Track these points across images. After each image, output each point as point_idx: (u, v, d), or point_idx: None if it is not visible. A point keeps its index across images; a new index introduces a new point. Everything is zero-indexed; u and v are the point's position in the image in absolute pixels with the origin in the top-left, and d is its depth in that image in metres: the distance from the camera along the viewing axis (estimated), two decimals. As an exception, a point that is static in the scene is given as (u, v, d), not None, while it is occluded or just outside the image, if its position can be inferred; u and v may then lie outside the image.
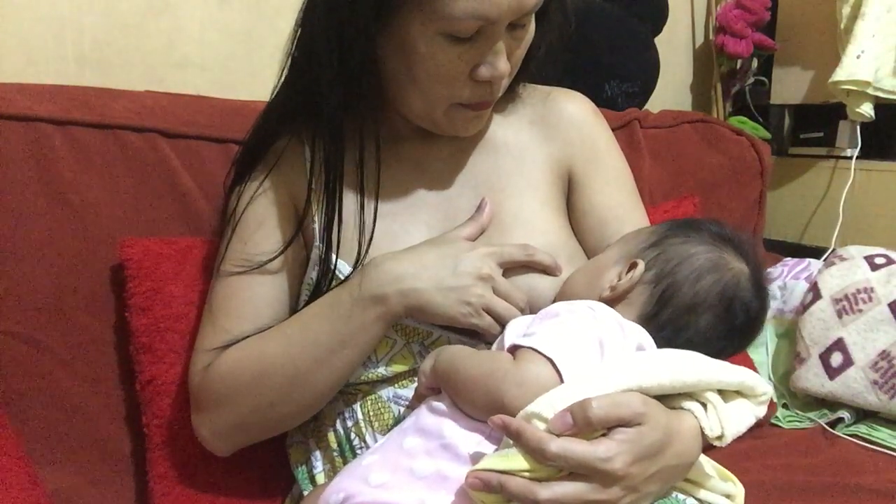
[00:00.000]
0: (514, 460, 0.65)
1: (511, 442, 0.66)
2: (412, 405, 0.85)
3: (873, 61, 1.58)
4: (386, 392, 0.89)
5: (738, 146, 1.65)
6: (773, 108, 1.91)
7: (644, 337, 0.76)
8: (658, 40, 1.73)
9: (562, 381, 0.68)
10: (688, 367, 0.72)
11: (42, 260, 1.00)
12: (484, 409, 0.71)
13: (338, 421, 0.91)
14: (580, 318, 0.74)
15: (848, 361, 1.38)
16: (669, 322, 0.78)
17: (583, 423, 0.64)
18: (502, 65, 0.82)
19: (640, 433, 0.66)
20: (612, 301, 0.79)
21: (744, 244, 0.82)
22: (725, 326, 0.79)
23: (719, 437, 0.71)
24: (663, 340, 0.77)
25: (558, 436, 0.65)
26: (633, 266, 0.80)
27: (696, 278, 0.78)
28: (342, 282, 0.88)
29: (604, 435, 0.66)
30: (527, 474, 0.65)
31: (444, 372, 0.76)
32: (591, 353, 0.71)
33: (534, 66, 0.93)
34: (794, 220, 1.88)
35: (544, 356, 0.69)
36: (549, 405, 0.66)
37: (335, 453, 0.91)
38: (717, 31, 1.85)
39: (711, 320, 0.78)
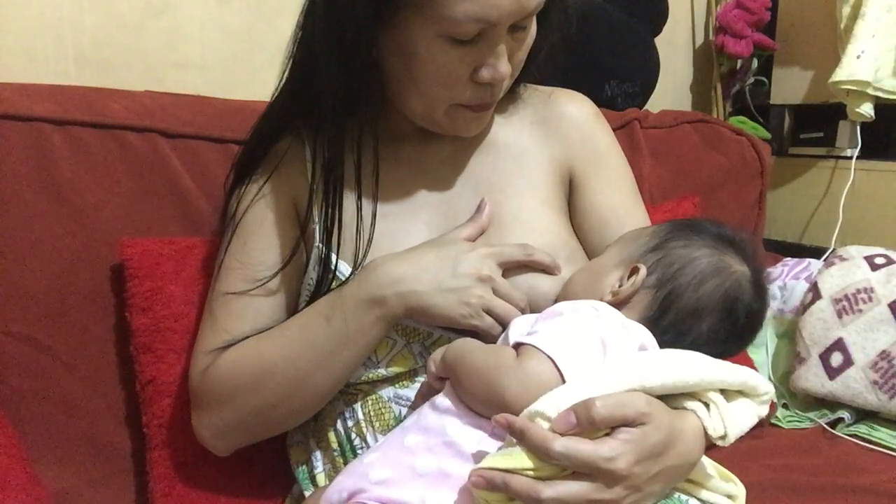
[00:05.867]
0: (518, 459, 0.65)
1: (514, 440, 0.66)
2: (415, 404, 0.85)
3: (873, 61, 1.58)
4: (386, 392, 0.89)
5: (738, 146, 1.65)
6: (773, 108, 1.92)
7: (647, 337, 0.76)
8: (658, 40, 1.73)
9: (563, 379, 0.69)
10: (690, 366, 0.72)
11: (42, 260, 1.00)
12: (484, 402, 0.71)
13: (338, 421, 0.91)
14: (583, 318, 0.74)
15: (848, 361, 1.39)
16: (672, 326, 0.78)
17: (587, 422, 0.64)
18: (503, 67, 0.82)
19: (644, 433, 0.66)
20: (615, 306, 0.79)
21: (744, 245, 0.82)
22: (727, 329, 0.79)
23: (722, 437, 0.71)
24: (666, 344, 0.77)
25: (562, 435, 0.65)
26: (634, 271, 0.80)
27: (699, 283, 0.78)
28: (342, 283, 0.88)
29: (607, 434, 0.66)
30: (530, 473, 0.65)
31: (451, 361, 0.76)
32: (594, 353, 0.71)
33: (534, 66, 0.93)
34: (794, 220, 1.88)
35: (546, 354, 0.69)
36: (553, 404, 0.66)
37: (336, 453, 0.91)
38: (717, 31, 1.85)
39: (714, 324, 0.78)
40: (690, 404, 0.71)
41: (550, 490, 0.64)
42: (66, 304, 1.01)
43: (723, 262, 0.79)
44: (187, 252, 1.03)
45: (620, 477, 0.65)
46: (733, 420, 0.71)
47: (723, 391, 0.73)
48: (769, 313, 1.35)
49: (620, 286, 0.80)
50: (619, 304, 0.80)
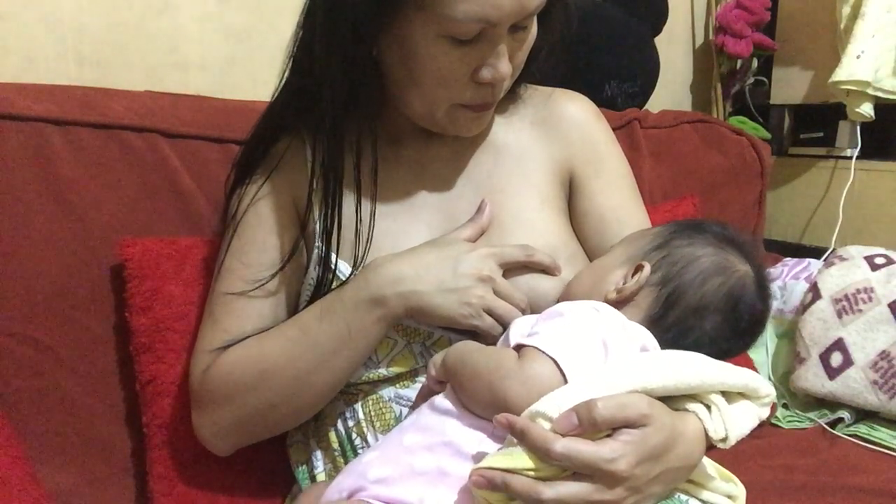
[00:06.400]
0: (519, 459, 0.65)
1: (515, 441, 0.66)
2: (416, 405, 0.85)
3: (873, 61, 1.58)
4: (387, 392, 0.89)
5: (738, 146, 1.65)
6: (773, 108, 1.92)
7: (648, 338, 0.76)
8: (658, 40, 1.73)
9: (565, 380, 0.69)
10: (692, 368, 0.72)
11: (42, 260, 1.00)
12: (486, 404, 0.71)
13: (339, 421, 0.91)
14: (584, 319, 0.74)
15: (848, 361, 1.39)
16: (675, 324, 0.78)
17: (588, 423, 0.64)
18: (504, 67, 0.81)
19: (645, 435, 0.66)
20: (619, 303, 0.79)
21: (747, 245, 0.82)
22: (730, 328, 0.79)
23: (723, 440, 0.71)
24: (669, 342, 0.77)
25: (563, 436, 0.65)
26: (638, 268, 0.80)
27: (703, 281, 0.78)
28: (342, 283, 0.88)
29: (608, 436, 0.66)
30: (531, 473, 0.65)
31: (452, 365, 0.76)
32: (595, 354, 0.71)
33: (534, 66, 0.92)
34: (794, 220, 1.88)
35: (547, 355, 0.69)
36: (554, 405, 0.66)
37: (336, 453, 0.92)
38: (717, 31, 1.85)
39: (717, 322, 0.78)
40: (692, 406, 0.71)
41: (551, 491, 0.64)
42: (66, 304, 1.01)
43: (726, 261, 0.80)
44: (187, 252, 1.03)
45: (621, 478, 0.65)
46: (734, 422, 0.71)
47: (724, 393, 0.73)
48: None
49: (625, 284, 0.80)
50: (623, 301, 0.80)
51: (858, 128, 1.72)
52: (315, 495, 0.82)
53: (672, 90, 1.92)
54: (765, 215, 1.71)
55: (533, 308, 0.86)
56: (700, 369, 0.72)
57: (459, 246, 0.86)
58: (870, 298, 1.40)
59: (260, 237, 0.92)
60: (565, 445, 0.64)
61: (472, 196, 0.94)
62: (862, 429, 1.37)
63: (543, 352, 0.70)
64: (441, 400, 0.76)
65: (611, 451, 0.64)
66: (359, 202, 0.88)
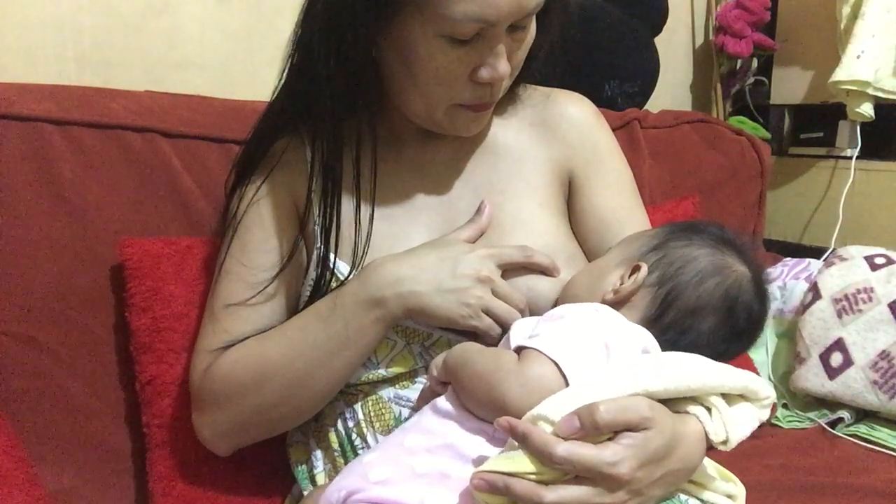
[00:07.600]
0: (520, 462, 0.65)
1: (516, 444, 0.66)
2: (417, 406, 0.85)
3: (873, 61, 1.58)
4: (387, 392, 0.89)
5: (738, 146, 1.65)
6: (773, 108, 1.92)
7: (649, 340, 0.76)
8: (658, 40, 1.73)
9: (566, 383, 0.69)
10: (693, 371, 0.72)
11: (42, 260, 1.00)
12: (486, 406, 0.71)
13: (339, 421, 0.91)
14: (585, 321, 0.74)
15: (848, 361, 1.39)
16: (672, 325, 0.78)
17: (590, 426, 0.64)
18: (502, 67, 0.81)
19: (647, 438, 0.66)
20: (616, 304, 0.79)
21: (745, 247, 0.82)
22: (728, 329, 0.79)
23: (724, 442, 0.71)
24: (666, 343, 0.77)
25: (565, 439, 0.65)
26: (635, 269, 0.80)
27: (700, 281, 0.78)
28: (342, 283, 0.88)
29: (610, 439, 0.66)
30: (532, 477, 0.65)
31: (452, 366, 0.76)
32: (596, 356, 0.71)
33: (534, 66, 0.92)
34: (794, 220, 1.88)
35: (548, 358, 0.69)
36: (555, 408, 0.66)
37: (336, 453, 0.92)
38: (717, 31, 1.86)
39: (714, 323, 0.78)
40: (692, 408, 0.71)
41: (553, 494, 0.64)
42: (66, 304, 1.01)
43: (723, 262, 0.80)
44: (187, 252, 1.03)
45: (623, 481, 0.65)
46: (735, 424, 0.71)
47: (724, 395, 0.73)
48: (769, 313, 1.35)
49: (622, 284, 0.80)
50: (620, 302, 0.80)
51: (858, 128, 1.72)
52: (316, 498, 0.82)
53: (672, 90, 1.92)
54: (765, 215, 1.71)
55: (532, 309, 0.86)
56: (701, 371, 0.72)
57: (458, 247, 0.86)
58: (870, 298, 1.40)
59: (260, 237, 0.92)
60: (567, 449, 0.64)
61: (471, 197, 0.94)
62: (862, 429, 1.37)
63: (544, 354, 0.70)
64: (443, 402, 0.76)
65: (612, 455, 0.64)
66: (358, 203, 0.88)
